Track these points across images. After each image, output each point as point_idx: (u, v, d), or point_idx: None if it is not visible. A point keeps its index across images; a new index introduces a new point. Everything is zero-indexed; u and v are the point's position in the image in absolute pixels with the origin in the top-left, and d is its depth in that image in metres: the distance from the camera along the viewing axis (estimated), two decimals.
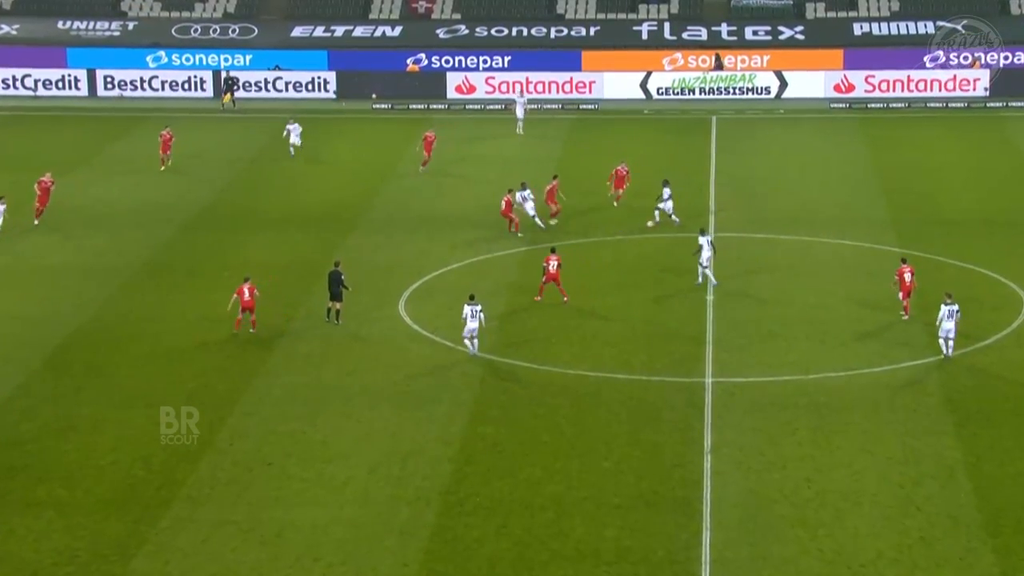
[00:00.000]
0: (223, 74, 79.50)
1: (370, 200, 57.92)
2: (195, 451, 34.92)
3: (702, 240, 46.56)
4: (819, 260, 50.08)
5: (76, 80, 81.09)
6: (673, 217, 52.99)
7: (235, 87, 78.50)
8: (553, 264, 45.05)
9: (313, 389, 38.96)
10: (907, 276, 43.15)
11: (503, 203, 52.47)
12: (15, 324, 44.16)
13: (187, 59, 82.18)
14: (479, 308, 40.31)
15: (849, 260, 49.73)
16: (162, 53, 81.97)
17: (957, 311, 39.85)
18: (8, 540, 30.89)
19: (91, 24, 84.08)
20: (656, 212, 52.95)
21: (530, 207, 53.13)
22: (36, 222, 50.72)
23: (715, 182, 60.99)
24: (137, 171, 61.92)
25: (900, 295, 43.29)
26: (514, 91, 78.18)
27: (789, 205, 57.58)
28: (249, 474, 33.82)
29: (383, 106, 78.35)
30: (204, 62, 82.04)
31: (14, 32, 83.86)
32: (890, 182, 60.75)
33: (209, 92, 79.91)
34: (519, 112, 69.66)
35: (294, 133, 63.76)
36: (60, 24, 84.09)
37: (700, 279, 46.43)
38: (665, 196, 52.87)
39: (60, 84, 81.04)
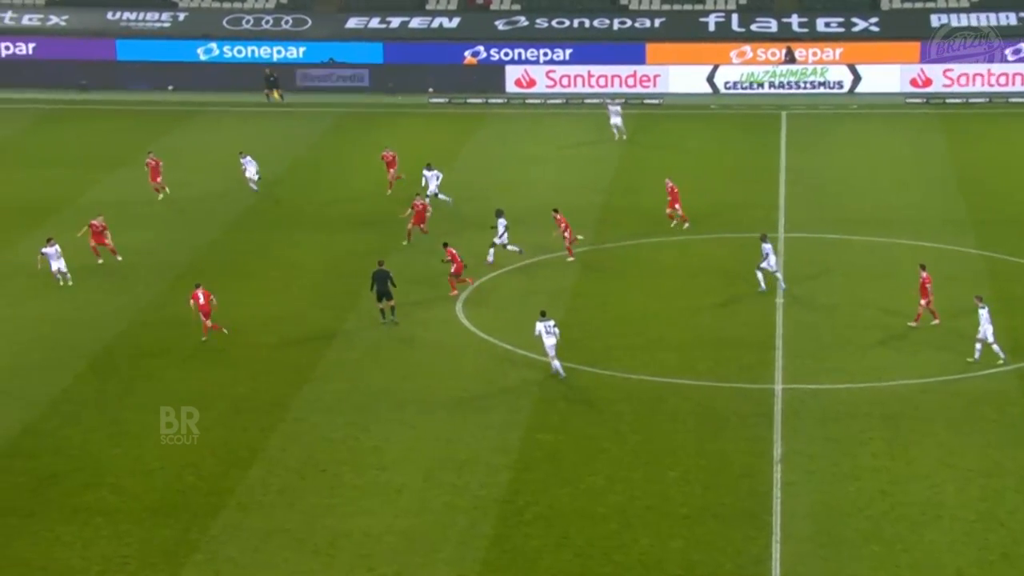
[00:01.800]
0: (265, 71, 78.52)
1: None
2: (246, 457, 34.75)
3: (766, 247, 45.20)
4: (894, 262, 49.03)
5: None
6: (511, 247, 48.61)
7: (276, 83, 77.41)
8: (455, 254, 45.25)
9: (365, 394, 38.50)
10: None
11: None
12: (60, 327, 43.91)
13: (239, 51, 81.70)
14: (553, 323, 38.95)
15: (925, 262, 48.16)
16: (213, 45, 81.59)
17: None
18: (55, 547, 30.77)
19: (141, 15, 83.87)
20: (491, 250, 48.57)
21: (432, 187, 53.85)
22: (100, 261, 49.44)
23: (785, 180, 59.93)
24: (184, 167, 61.38)
25: (923, 302, 42.04)
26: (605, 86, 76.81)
27: (862, 205, 56.45)
28: (301, 481, 33.50)
29: (440, 100, 77.47)
30: (256, 54, 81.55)
31: (63, 23, 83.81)
32: (969, 181, 59.46)
33: (261, 85, 79.13)
34: (615, 120, 67.38)
35: (250, 168, 58.62)
36: (110, 15, 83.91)
37: (763, 286, 45.13)
38: (500, 229, 48.60)
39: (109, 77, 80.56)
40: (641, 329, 42.84)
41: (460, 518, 31.40)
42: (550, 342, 38.64)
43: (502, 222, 48.65)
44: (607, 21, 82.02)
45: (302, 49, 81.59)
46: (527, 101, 77.49)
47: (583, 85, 78.40)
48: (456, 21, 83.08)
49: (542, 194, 57.21)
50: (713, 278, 47.25)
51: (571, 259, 48.86)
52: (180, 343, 42.13)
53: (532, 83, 79.13)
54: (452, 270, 45.46)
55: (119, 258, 49.41)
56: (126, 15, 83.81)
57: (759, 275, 45.33)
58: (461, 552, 30.04)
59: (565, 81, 78.88)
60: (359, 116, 74.19)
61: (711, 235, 52.02)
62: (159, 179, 57.44)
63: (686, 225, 52.24)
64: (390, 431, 35.92)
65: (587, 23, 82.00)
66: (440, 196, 54.68)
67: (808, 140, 67.21)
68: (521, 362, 39.93)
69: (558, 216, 49.28)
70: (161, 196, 57.22)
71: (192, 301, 41.95)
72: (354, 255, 50.00)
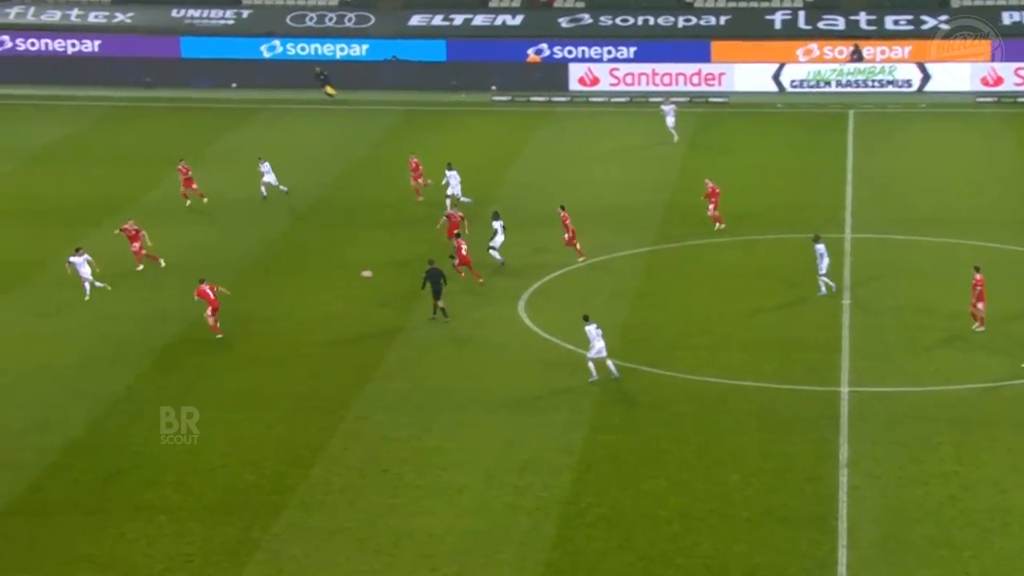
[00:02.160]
0: (315, 68, 78.42)
1: (485, 197, 56.64)
2: (307, 456, 34.73)
3: (819, 247, 44.64)
4: (962, 264, 47.96)
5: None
6: (495, 254, 47.88)
7: (328, 80, 77.24)
8: (463, 248, 45.35)
9: (427, 393, 38.42)
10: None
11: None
12: (124, 323, 44.13)
13: (302, 48, 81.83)
14: (596, 326, 38.60)
15: (995, 264, 47.55)
16: (277, 42, 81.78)
17: None
18: (119, 543, 30.93)
19: (205, 12, 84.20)
20: (493, 252, 48.13)
21: (456, 189, 53.80)
22: (162, 264, 49.17)
23: (852, 181, 59.18)
24: (248, 164, 61.40)
25: (980, 305, 41.21)
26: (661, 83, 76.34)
27: (931, 205, 55.80)
28: (363, 481, 33.47)
29: (503, 98, 77.25)
30: (319, 52, 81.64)
31: (128, 21, 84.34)
32: None
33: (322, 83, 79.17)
34: (669, 121, 66.70)
35: (267, 173, 57.55)
36: (175, 13, 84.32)
37: (823, 289, 44.51)
38: (496, 229, 48.04)
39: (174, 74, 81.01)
40: (704, 329, 42.50)
41: (522, 519, 31.26)
42: (600, 344, 38.29)
43: (499, 224, 48.11)
44: (672, 19, 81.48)
45: (365, 47, 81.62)
46: (590, 99, 77.04)
47: (647, 83, 77.84)
48: (519, 19, 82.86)
49: (605, 193, 56.95)
50: (778, 279, 46.77)
51: (582, 259, 48.05)
52: (242, 341, 42.21)
53: (596, 81, 78.72)
54: (456, 262, 45.13)
55: (140, 267, 48.71)
56: (191, 12, 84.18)
57: (820, 281, 44.82)
58: (523, 553, 29.91)
59: (629, 79, 78.39)
60: (421, 114, 74.15)
61: (776, 235, 51.52)
62: (194, 185, 56.43)
63: (719, 226, 51.54)
64: (452, 431, 35.82)
65: (651, 21, 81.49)
66: (462, 198, 54.13)
67: (876, 140, 66.40)
68: (583, 362, 39.60)
69: (563, 214, 48.71)
70: (189, 203, 56.30)
71: (198, 297, 41.85)
72: (416, 254, 49.90)
